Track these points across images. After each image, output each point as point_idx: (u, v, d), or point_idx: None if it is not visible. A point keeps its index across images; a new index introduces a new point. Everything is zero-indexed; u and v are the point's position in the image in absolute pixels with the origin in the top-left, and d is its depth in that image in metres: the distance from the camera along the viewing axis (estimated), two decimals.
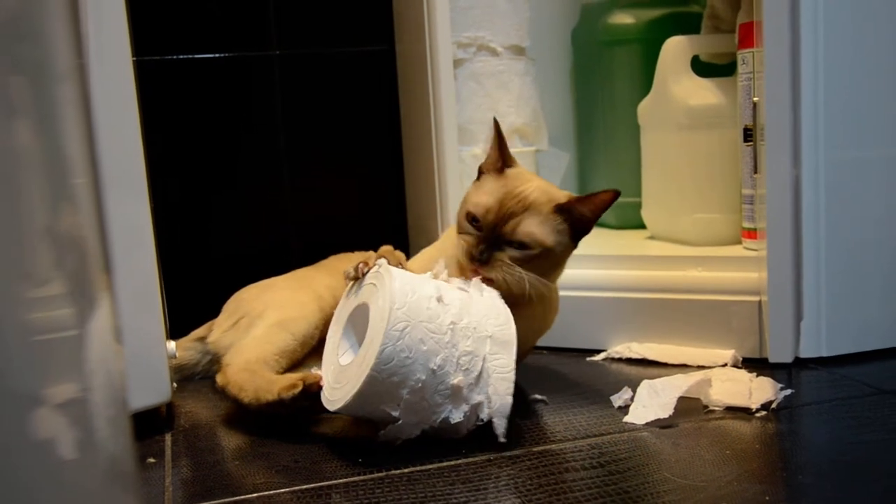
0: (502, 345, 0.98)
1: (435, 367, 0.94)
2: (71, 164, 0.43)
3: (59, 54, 0.42)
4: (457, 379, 0.94)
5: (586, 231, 1.09)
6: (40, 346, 0.38)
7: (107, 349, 0.44)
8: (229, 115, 1.65)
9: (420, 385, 0.93)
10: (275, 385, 1.04)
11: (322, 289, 1.27)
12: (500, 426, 0.96)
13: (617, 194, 1.06)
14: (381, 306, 0.96)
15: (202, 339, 1.32)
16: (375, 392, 0.94)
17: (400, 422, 0.95)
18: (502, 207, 1.05)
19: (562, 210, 1.07)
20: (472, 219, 1.06)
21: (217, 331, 1.28)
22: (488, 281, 1.04)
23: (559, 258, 1.09)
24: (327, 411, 1.00)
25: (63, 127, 0.42)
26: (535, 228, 1.04)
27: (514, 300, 1.03)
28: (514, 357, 0.97)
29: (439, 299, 0.97)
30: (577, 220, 1.07)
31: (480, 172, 1.13)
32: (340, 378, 0.99)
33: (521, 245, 1.04)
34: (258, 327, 1.20)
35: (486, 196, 1.06)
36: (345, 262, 1.39)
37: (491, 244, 1.04)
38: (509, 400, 0.96)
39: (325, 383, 1.03)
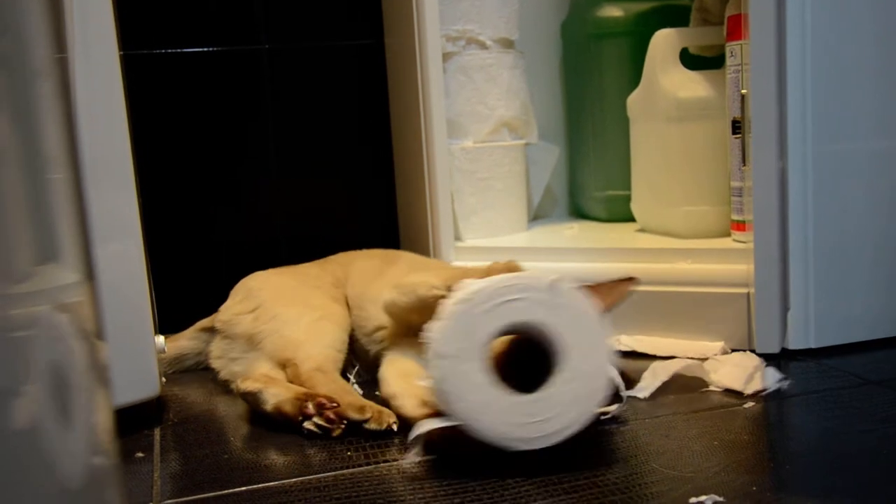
0: None
1: None
2: (49, 160, 0.43)
3: (37, 48, 0.42)
4: None
5: None
6: (16, 343, 0.38)
7: (84, 342, 0.44)
8: (218, 108, 1.64)
9: None
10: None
11: (336, 293, 1.27)
12: None
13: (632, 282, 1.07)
14: (581, 327, 0.90)
15: (207, 329, 1.31)
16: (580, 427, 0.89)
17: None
18: None
19: None
20: None
21: (229, 312, 1.25)
22: None
23: None
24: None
25: (41, 122, 0.42)
26: None
27: None
28: None
29: None
30: None
31: None
32: (532, 410, 0.88)
33: None
34: (294, 325, 1.17)
35: None
36: (353, 259, 1.38)
37: None
38: None
39: (472, 411, 0.88)
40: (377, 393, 1.11)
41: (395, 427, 0.99)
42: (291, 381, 1.10)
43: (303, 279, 1.30)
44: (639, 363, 1.22)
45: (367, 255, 1.38)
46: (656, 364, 1.15)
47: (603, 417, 0.99)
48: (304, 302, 1.22)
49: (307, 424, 1.01)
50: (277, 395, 1.06)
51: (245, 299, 1.26)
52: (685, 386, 1.12)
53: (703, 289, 1.28)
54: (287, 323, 1.18)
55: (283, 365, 1.13)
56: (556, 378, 0.89)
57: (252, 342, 1.20)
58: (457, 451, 0.91)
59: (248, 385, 1.09)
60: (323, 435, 1.01)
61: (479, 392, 0.87)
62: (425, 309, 1.05)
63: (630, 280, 1.06)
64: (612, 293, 1.05)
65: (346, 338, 1.18)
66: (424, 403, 0.99)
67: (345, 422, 1.01)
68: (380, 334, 1.19)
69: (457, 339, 0.88)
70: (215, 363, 1.25)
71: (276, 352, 1.15)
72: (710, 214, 1.42)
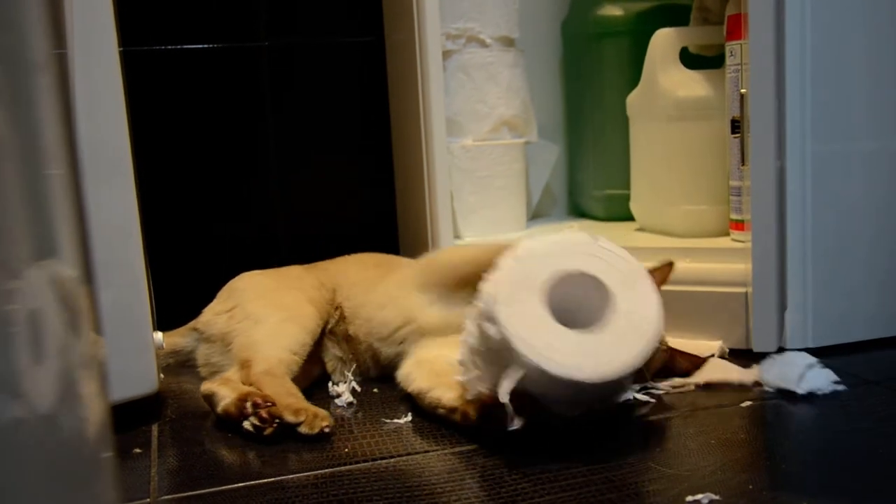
0: None
1: None
2: (47, 156, 0.43)
3: (35, 43, 0.42)
4: None
5: None
6: (14, 338, 0.38)
7: (79, 339, 0.44)
8: (218, 105, 1.64)
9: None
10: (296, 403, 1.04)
11: (315, 294, 1.26)
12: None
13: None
14: (626, 276, 0.98)
15: (197, 329, 1.32)
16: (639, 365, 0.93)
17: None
18: None
19: None
20: None
21: (209, 313, 1.27)
22: None
23: None
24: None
25: (39, 117, 0.42)
26: None
27: None
28: None
29: None
30: None
31: None
32: (578, 347, 0.91)
33: None
34: (260, 326, 1.18)
35: None
36: (345, 267, 1.37)
37: None
38: None
39: (541, 349, 0.90)
40: (409, 390, 1.10)
41: (327, 430, 0.99)
42: (244, 383, 1.10)
43: (284, 280, 1.30)
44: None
45: (359, 263, 1.36)
46: (711, 368, 1.14)
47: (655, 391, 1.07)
48: (277, 302, 1.22)
49: (245, 424, 1.01)
50: (225, 397, 1.06)
51: (226, 299, 1.27)
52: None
53: (702, 288, 1.28)
54: (256, 323, 1.19)
55: (241, 365, 1.13)
56: (608, 318, 0.94)
57: (225, 342, 1.21)
58: (500, 423, 0.91)
59: (205, 388, 1.11)
60: (257, 436, 1.00)
61: (539, 328, 0.92)
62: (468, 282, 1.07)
63: (670, 265, 1.15)
64: (657, 279, 1.12)
65: (308, 340, 1.17)
66: (457, 389, 1.01)
67: (277, 421, 1.00)
68: (401, 333, 1.20)
69: (514, 286, 0.94)
70: (202, 371, 1.26)
71: (239, 352, 1.16)
72: (709, 214, 1.42)
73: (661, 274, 1.13)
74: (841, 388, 1.06)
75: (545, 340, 0.90)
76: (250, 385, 1.08)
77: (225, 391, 1.07)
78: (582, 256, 0.98)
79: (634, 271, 0.99)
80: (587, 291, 0.97)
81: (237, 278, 1.33)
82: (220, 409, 1.06)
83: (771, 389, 1.08)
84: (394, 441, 0.98)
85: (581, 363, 0.89)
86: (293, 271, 1.35)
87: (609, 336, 0.93)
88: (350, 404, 1.13)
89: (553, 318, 0.93)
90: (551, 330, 0.92)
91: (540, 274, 0.95)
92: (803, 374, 1.08)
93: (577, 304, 0.97)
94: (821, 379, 1.08)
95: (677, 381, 1.11)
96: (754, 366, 1.12)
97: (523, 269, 0.96)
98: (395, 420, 1.05)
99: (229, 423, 1.04)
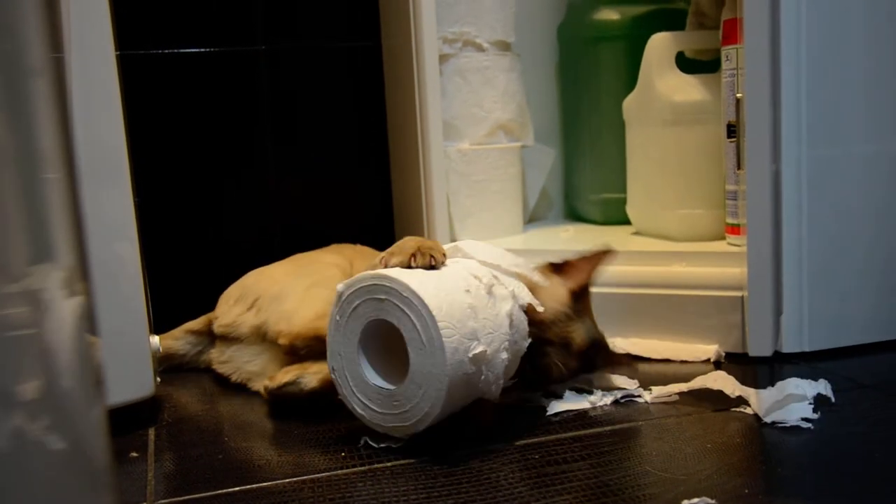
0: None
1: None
2: (44, 159, 0.43)
3: (32, 47, 0.42)
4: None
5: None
6: (12, 343, 0.38)
7: (76, 343, 0.44)
8: (215, 109, 1.64)
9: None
10: None
11: (337, 259, 1.28)
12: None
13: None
14: (419, 312, 0.92)
15: (194, 332, 1.31)
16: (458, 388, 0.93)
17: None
18: None
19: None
20: None
21: (228, 315, 1.25)
22: None
23: None
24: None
25: (37, 121, 0.42)
26: None
27: None
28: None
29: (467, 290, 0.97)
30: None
31: None
32: (395, 400, 0.95)
33: None
34: (289, 298, 1.16)
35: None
36: (345, 251, 1.38)
37: None
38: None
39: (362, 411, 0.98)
40: None
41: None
42: (285, 353, 1.11)
43: (298, 261, 1.31)
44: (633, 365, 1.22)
45: (368, 253, 1.37)
46: (704, 378, 1.11)
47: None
48: (298, 274, 1.23)
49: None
50: (319, 371, 1.07)
51: (241, 298, 1.25)
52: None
53: (698, 292, 1.28)
54: (285, 298, 1.17)
55: (277, 339, 1.13)
56: (409, 372, 0.93)
57: (260, 333, 1.19)
58: None
59: (274, 383, 1.09)
60: None
61: (365, 387, 0.97)
62: None
63: (606, 253, 1.12)
64: (587, 267, 1.12)
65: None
66: None
67: None
68: None
69: (340, 342, 0.98)
70: (223, 367, 1.25)
71: (273, 327, 1.15)
72: (705, 218, 1.43)
73: (594, 262, 1.13)
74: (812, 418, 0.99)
75: (362, 393, 0.97)
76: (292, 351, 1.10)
77: (315, 367, 1.08)
78: (375, 305, 0.95)
79: (405, 296, 0.92)
80: (389, 328, 0.95)
81: (246, 276, 1.31)
82: (316, 383, 1.07)
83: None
84: (390, 445, 0.98)
85: (386, 421, 0.96)
86: (304, 255, 1.35)
87: (406, 392, 0.94)
88: None
89: (371, 368, 0.97)
90: (363, 388, 0.97)
91: (350, 329, 0.97)
92: (779, 405, 1.01)
93: (394, 337, 0.96)
94: (790, 413, 1.00)
95: (661, 390, 1.10)
96: (752, 391, 1.05)
97: (335, 323, 0.99)
98: None
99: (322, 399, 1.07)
